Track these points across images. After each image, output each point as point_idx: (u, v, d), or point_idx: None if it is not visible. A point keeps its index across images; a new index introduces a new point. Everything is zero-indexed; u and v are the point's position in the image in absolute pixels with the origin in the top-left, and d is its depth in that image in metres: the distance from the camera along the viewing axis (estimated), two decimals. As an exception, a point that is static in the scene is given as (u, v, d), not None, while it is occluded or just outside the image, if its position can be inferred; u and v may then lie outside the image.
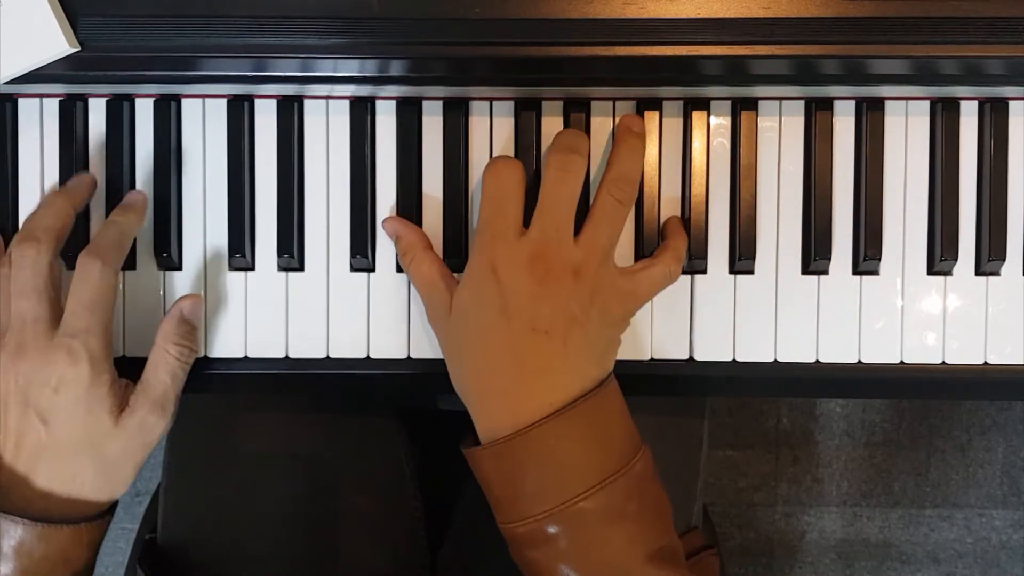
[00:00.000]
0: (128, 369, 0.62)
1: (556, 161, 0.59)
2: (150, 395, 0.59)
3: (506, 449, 0.56)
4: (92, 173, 0.64)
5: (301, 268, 0.65)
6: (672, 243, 0.63)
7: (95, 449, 0.58)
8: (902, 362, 0.65)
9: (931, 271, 0.65)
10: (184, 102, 0.65)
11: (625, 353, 0.64)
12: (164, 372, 0.60)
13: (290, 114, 0.64)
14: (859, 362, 0.65)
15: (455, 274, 0.62)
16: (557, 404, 0.56)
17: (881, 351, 0.65)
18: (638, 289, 0.60)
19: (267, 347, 0.65)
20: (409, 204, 0.64)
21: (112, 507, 0.61)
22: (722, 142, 0.65)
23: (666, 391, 0.67)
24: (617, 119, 0.64)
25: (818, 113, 0.64)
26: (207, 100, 0.65)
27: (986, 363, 0.65)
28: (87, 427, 0.57)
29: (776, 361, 0.65)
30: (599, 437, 0.57)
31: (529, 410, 0.56)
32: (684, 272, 0.65)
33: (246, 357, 0.65)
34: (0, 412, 0.57)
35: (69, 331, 0.57)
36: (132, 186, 0.65)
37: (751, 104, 0.64)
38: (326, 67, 0.60)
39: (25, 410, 0.57)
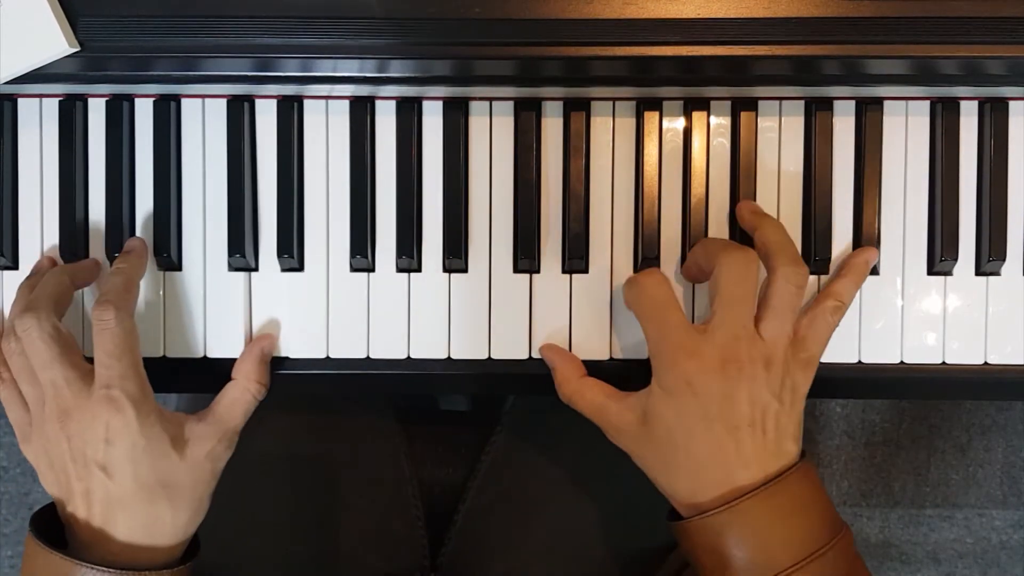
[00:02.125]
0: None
1: (738, 259, 0.58)
2: (223, 427, 0.60)
3: (712, 523, 0.56)
4: (97, 260, 0.65)
5: (301, 268, 0.65)
6: (832, 288, 0.62)
7: (168, 487, 0.58)
8: (902, 362, 0.65)
9: (931, 271, 0.65)
10: (184, 102, 0.65)
11: (627, 353, 0.64)
12: (241, 408, 0.61)
13: (290, 114, 0.64)
14: (859, 362, 0.65)
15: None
16: (762, 482, 0.57)
17: (881, 351, 0.65)
18: (815, 353, 0.60)
19: (267, 347, 0.65)
20: (409, 204, 0.64)
21: (192, 551, 0.62)
22: (722, 142, 0.65)
23: (666, 391, 0.67)
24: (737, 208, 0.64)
25: (818, 113, 0.64)
26: (207, 100, 0.65)
27: (986, 363, 0.65)
28: (155, 467, 0.58)
29: (776, 361, 0.65)
30: (802, 511, 0.57)
31: (735, 491, 0.57)
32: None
33: (246, 357, 0.65)
34: (64, 480, 0.58)
35: (104, 382, 0.57)
36: (132, 186, 0.65)
37: (751, 104, 0.64)
38: (326, 67, 0.60)
39: (86, 467, 0.57)
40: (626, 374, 0.63)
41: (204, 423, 0.60)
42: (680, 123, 0.65)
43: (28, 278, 0.63)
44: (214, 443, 0.60)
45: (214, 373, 0.64)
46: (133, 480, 0.57)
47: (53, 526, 0.59)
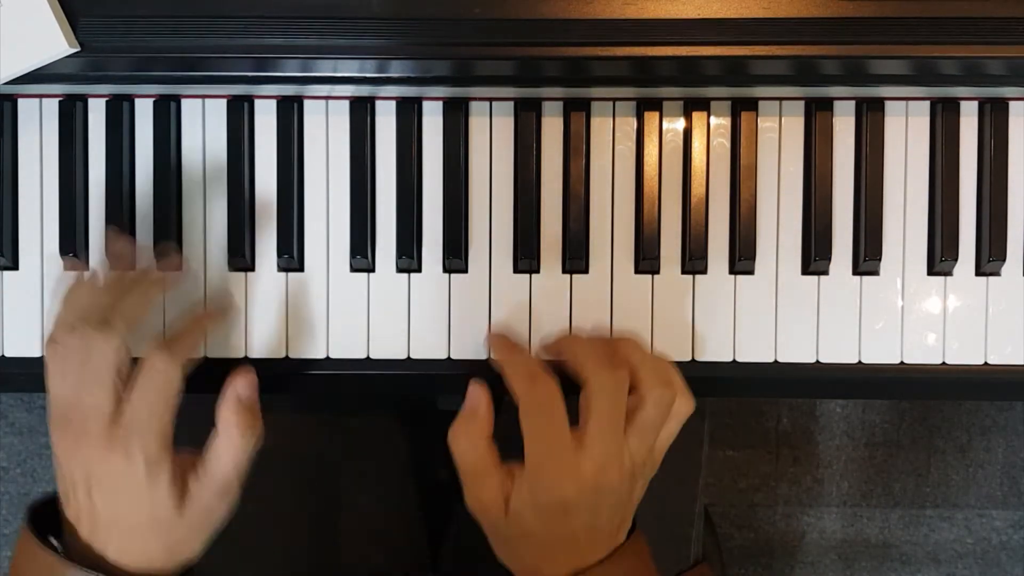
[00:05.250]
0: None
1: (608, 389, 0.58)
2: (214, 484, 0.57)
3: None
4: (125, 240, 0.63)
5: (301, 268, 0.65)
6: (643, 376, 0.61)
7: (162, 530, 0.57)
8: (902, 362, 0.65)
9: (931, 271, 0.65)
10: (184, 102, 0.65)
11: (625, 353, 0.64)
12: (228, 461, 0.57)
13: (290, 114, 0.64)
14: (859, 362, 0.65)
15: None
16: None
17: (881, 351, 0.65)
18: (658, 446, 0.60)
19: (267, 347, 0.65)
20: (409, 204, 0.64)
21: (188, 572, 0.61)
22: (722, 142, 0.65)
23: (666, 391, 0.67)
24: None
25: (818, 113, 0.64)
26: (207, 100, 0.65)
27: (986, 363, 0.65)
28: (152, 514, 0.56)
29: (776, 361, 0.65)
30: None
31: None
32: (684, 272, 0.65)
33: (246, 358, 0.65)
34: (69, 485, 0.57)
35: (127, 429, 0.55)
36: (132, 186, 0.65)
37: (751, 104, 0.64)
38: (326, 67, 0.60)
39: (89, 494, 0.56)
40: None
41: (196, 481, 0.58)
42: (680, 123, 0.65)
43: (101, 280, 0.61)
44: (208, 498, 0.57)
45: (214, 373, 0.65)
46: (130, 518, 0.56)
47: (51, 517, 0.58)
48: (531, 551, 0.59)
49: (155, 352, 0.56)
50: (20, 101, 0.65)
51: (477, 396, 0.60)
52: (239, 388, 0.58)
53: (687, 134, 0.65)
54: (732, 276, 0.65)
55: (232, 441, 0.57)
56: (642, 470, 0.59)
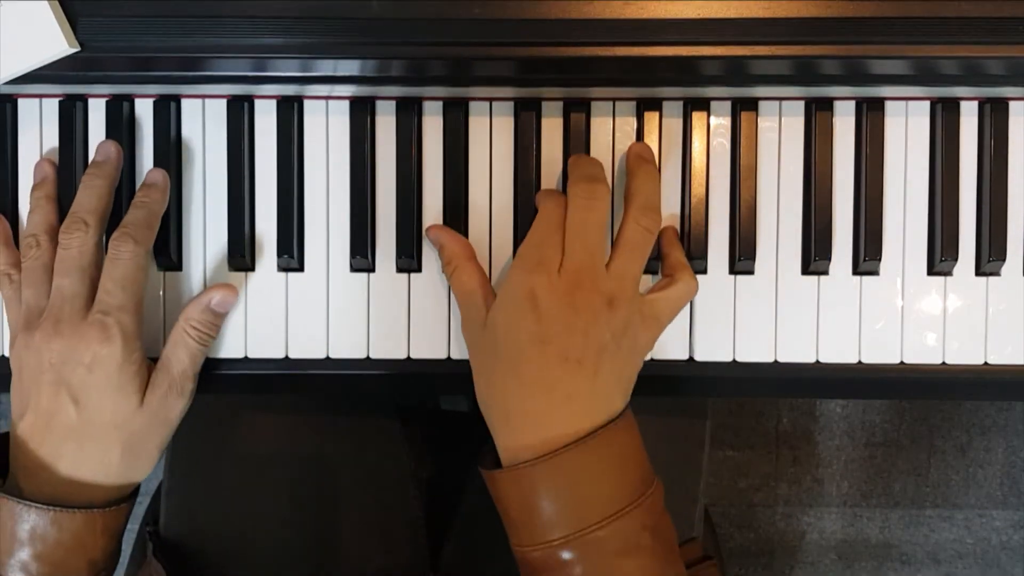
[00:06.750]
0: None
1: (581, 191, 0.59)
2: (170, 373, 0.61)
3: (527, 474, 0.55)
4: (113, 142, 0.64)
5: (301, 268, 0.65)
6: (683, 257, 0.63)
7: (121, 430, 0.58)
8: (902, 362, 0.65)
9: (931, 271, 0.65)
10: (184, 102, 0.65)
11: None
12: (183, 351, 0.61)
13: (290, 114, 0.64)
14: (859, 362, 0.65)
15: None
16: (582, 432, 0.56)
17: (881, 351, 0.65)
18: (662, 314, 0.60)
19: (267, 347, 0.65)
20: (409, 204, 0.64)
21: (133, 494, 0.62)
22: (722, 142, 0.65)
23: (666, 391, 0.67)
24: (624, 142, 0.64)
25: (818, 113, 0.64)
26: (207, 100, 0.65)
27: (986, 363, 0.65)
28: (115, 407, 0.58)
29: (776, 361, 0.65)
30: (618, 466, 0.56)
31: (553, 436, 0.56)
32: (684, 272, 0.65)
33: (246, 357, 0.65)
34: (32, 392, 0.58)
35: (102, 308, 0.58)
36: (132, 187, 0.65)
37: (751, 104, 0.64)
38: (326, 67, 0.60)
39: (58, 390, 0.57)
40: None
41: (154, 371, 0.61)
42: (680, 123, 0.65)
43: (37, 187, 0.63)
44: (164, 390, 0.60)
45: (214, 373, 0.65)
46: (95, 414, 0.58)
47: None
48: (503, 384, 0.57)
49: (116, 237, 0.59)
50: (20, 101, 0.65)
51: (435, 233, 0.63)
52: (215, 297, 0.63)
53: (687, 134, 0.65)
54: (732, 276, 0.65)
55: (187, 333, 0.61)
56: (628, 301, 0.57)
